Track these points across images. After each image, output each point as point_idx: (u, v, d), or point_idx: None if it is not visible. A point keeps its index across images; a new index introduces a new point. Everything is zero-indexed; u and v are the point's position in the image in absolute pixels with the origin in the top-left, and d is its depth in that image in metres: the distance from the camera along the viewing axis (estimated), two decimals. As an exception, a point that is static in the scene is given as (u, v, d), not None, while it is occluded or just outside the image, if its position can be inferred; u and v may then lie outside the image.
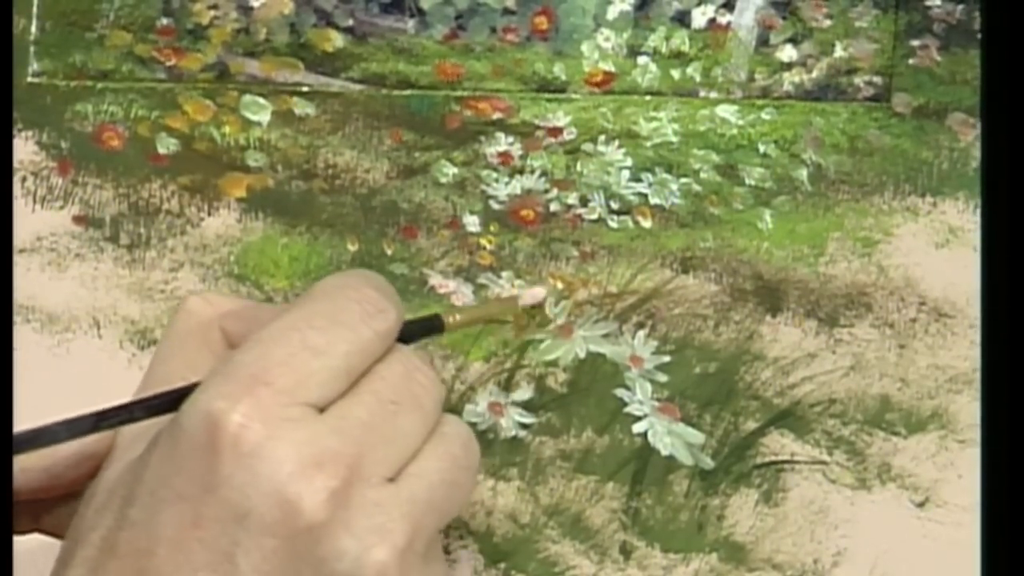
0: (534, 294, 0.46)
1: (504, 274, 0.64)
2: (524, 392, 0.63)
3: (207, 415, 0.30)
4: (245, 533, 0.29)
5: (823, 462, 0.62)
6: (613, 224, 0.65)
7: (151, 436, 0.34)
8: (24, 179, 0.68)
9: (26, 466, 0.37)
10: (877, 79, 0.63)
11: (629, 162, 0.65)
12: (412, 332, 0.40)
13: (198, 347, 0.37)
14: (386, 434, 0.32)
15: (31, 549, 0.41)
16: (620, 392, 0.63)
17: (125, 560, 0.31)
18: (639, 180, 0.65)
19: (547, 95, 0.65)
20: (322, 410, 0.32)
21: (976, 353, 0.61)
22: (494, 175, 0.65)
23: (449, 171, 0.66)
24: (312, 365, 0.32)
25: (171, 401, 0.33)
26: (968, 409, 0.61)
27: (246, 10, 0.68)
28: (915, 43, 0.63)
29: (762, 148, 0.64)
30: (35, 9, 0.69)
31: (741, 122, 0.64)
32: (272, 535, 0.30)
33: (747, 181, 0.64)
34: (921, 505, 0.61)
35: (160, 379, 0.37)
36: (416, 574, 0.32)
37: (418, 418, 0.34)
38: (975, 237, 0.61)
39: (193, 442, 0.30)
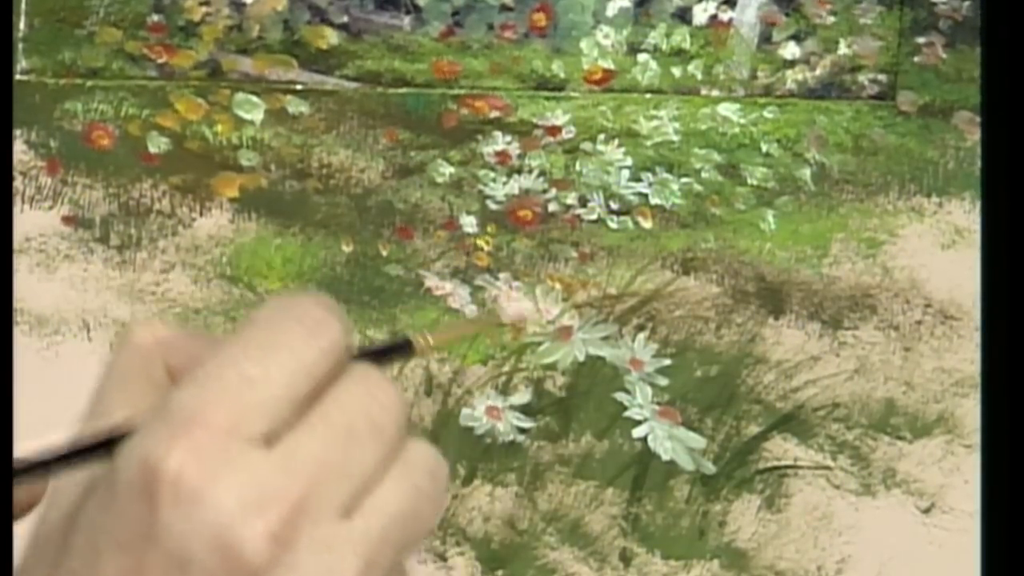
0: (518, 311, 0.45)
1: (502, 275, 0.64)
2: (522, 396, 0.63)
3: (143, 462, 0.29)
4: None
5: (827, 467, 0.62)
6: (613, 225, 0.64)
7: (85, 475, 0.33)
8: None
9: None
10: (882, 77, 0.63)
11: (629, 161, 0.65)
12: (375, 358, 0.37)
13: (142, 383, 0.35)
14: (340, 467, 0.31)
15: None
16: (620, 396, 0.63)
17: None
18: (639, 180, 0.65)
19: (545, 93, 0.65)
20: (272, 442, 0.31)
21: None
22: (491, 175, 0.65)
23: (446, 171, 0.66)
24: (250, 398, 0.30)
25: (98, 447, 0.32)
26: (974, 413, 0.61)
27: (239, 6, 0.68)
28: (920, 40, 0.63)
29: (764, 147, 0.64)
30: (23, 6, 0.68)
31: (743, 121, 0.64)
32: None
33: (749, 181, 0.64)
34: (927, 511, 0.61)
35: (101, 417, 0.35)
36: None
37: (377, 445, 0.33)
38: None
39: (131, 490, 0.29)
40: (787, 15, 0.63)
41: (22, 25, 0.68)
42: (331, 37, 0.67)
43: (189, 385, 0.34)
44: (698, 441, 0.62)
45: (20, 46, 0.68)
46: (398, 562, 0.35)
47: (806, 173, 0.63)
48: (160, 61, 0.67)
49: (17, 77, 0.68)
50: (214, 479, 0.31)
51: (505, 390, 0.63)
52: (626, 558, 0.61)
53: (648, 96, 0.64)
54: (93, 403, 0.38)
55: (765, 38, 0.63)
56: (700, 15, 0.64)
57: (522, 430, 0.62)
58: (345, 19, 0.67)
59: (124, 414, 0.36)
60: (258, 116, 0.67)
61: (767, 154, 0.63)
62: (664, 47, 0.64)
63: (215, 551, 0.31)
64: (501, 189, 0.65)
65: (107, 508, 0.32)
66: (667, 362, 0.63)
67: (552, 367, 0.63)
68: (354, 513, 0.34)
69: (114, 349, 0.39)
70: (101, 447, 0.35)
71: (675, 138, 0.64)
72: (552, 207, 0.64)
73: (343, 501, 0.34)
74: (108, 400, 0.39)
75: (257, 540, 0.31)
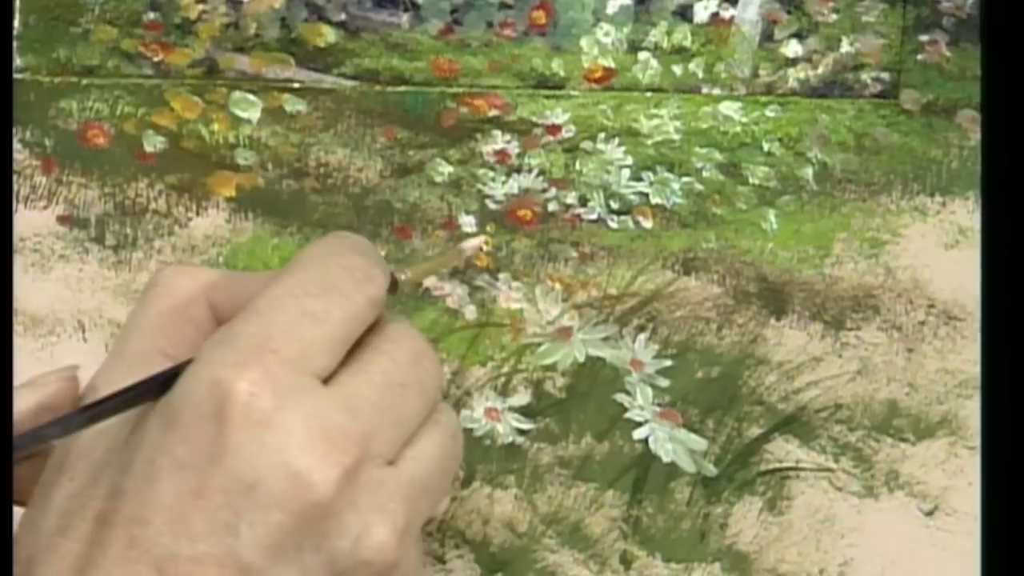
0: (473, 244, 0.46)
1: (501, 275, 0.64)
2: (522, 397, 0.62)
3: (214, 383, 0.30)
4: (250, 504, 0.29)
5: (829, 469, 0.61)
6: (613, 224, 0.64)
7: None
8: (7, 178, 0.67)
9: None
10: (885, 75, 0.63)
11: (629, 160, 0.64)
12: None
13: (180, 323, 0.36)
14: (392, 416, 0.33)
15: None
16: (620, 397, 0.62)
17: (117, 530, 0.30)
18: (640, 179, 0.64)
19: (545, 92, 0.65)
20: (325, 381, 0.32)
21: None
22: (491, 174, 0.65)
23: (444, 170, 0.65)
24: (313, 332, 0.32)
25: (164, 383, 0.32)
26: (978, 415, 0.60)
27: (235, 4, 0.67)
28: (924, 38, 0.63)
29: (766, 146, 0.63)
30: (18, 3, 0.68)
31: (745, 119, 0.64)
32: (278, 508, 0.30)
33: (751, 180, 0.64)
34: (930, 513, 0.60)
35: (136, 357, 0.35)
36: (412, 556, 0.32)
37: (421, 403, 0.34)
38: (985, 238, 0.61)
39: (198, 411, 0.30)
40: (789, 13, 0.63)
41: (16, 23, 0.68)
42: (329, 35, 0.67)
43: (252, 315, 0.35)
44: (699, 443, 0.62)
45: (14, 44, 0.68)
46: (426, 517, 0.37)
47: (808, 172, 0.62)
48: (156, 59, 0.67)
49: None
50: (285, 406, 0.32)
51: (504, 391, 0.62)
52: (626, 561, 0.61)
53: (649, 95, 0.64)
54: (123, 343, 0.38)
55: (767, 36, 0.63)
56: (701, 13, 0.64)
57: (521, 432, 0.62)
58: (343, 17, 0.67)
59: (163, 353, 0.36)
60: (255, 115, 0.66)
61: (769, 153, 0.63)
62: (665, 45, 0.64)
63: (283, 477, 0.31)
64: (500, 188, 0.64)
65: (170, 429, 0.32)
66: (668, 363, 0.62)
67: (552, 368, 0.63)
68: (398, 461, 0.36)
69: (146, 292, 0.39)
70: (158, 386, 0.35)
71: (676, 137, 0.63)
72: (552, 207, 0.64)
73: (392, 448, 0.35)
74: (144, 340, 0.39)
75: (330, 472, 0.32)
